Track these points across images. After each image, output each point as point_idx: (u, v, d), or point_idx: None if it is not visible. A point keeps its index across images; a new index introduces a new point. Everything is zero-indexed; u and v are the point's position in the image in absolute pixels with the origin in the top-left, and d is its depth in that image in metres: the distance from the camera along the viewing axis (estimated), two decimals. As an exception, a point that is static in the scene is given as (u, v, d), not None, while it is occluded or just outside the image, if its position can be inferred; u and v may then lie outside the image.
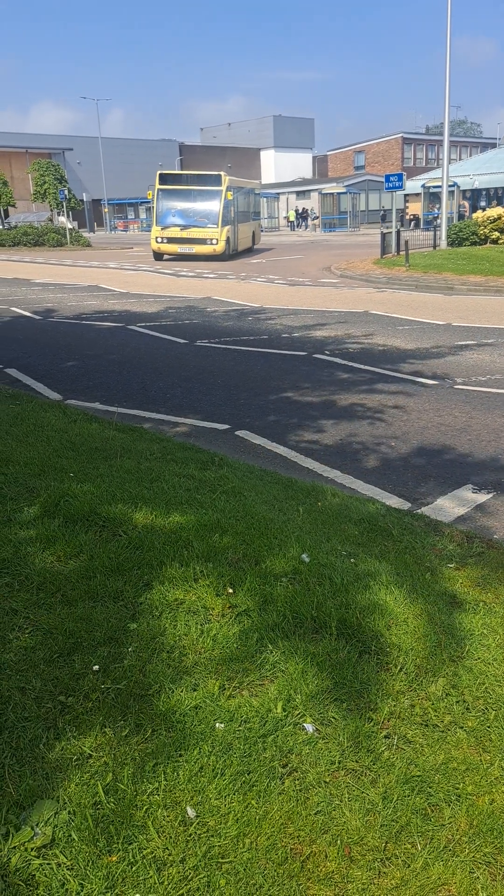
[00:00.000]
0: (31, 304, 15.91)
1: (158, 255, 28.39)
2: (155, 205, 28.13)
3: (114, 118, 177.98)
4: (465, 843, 2.03)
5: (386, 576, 3.42)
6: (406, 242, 21.98)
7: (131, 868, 1.89)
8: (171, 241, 27.40)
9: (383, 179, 26.10)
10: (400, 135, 70.14)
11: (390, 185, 24.56)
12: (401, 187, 24.70)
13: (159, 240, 27.66)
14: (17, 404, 6.77)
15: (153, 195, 28.24)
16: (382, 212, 53.83)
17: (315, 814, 2.08)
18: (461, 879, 1.92)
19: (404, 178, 25.07)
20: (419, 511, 4.63)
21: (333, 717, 2.45)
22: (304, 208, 58.49)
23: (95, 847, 1.93)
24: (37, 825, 1.98)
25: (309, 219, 57.18)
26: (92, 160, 67.37)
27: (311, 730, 2.39)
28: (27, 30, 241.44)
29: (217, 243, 26.99)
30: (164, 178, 28.22)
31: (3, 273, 24.58)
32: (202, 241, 27.05)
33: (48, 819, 1.99)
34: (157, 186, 27.86)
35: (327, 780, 2.21)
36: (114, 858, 1.90)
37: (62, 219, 45.77)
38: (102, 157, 65.42)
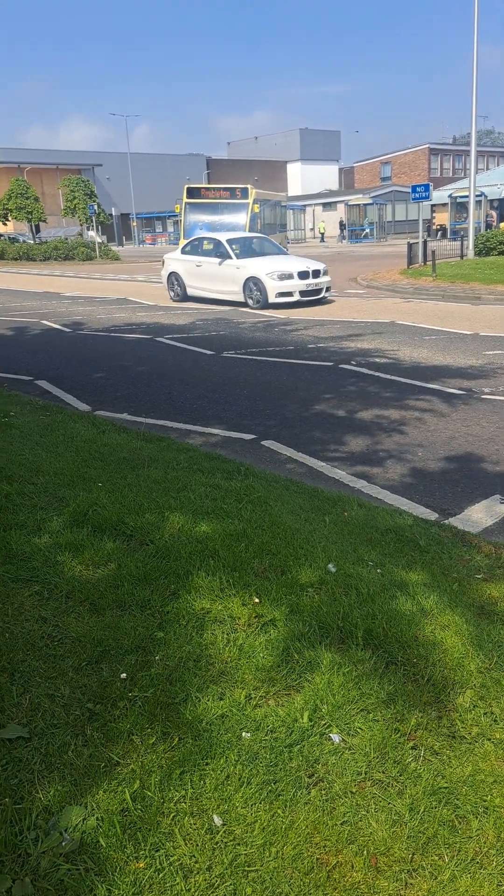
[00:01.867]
0: (60, 317, 16.13)
1: None
2: (182, 218, 28.27)
3: (142, 132, 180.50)
4: (493, 855, 2.01)
5: (413, 586, 3.40)
6: (433, 252, 21.91)
7: (158, 875, 1.90)
8: None
9: (410, 190, 26.06)
10: (427, 145, 70.05)
11: (417, 195, 24.49)
12: (427, 198, 24.60)
13: None
14: (47, 415, 6.87)
15: (181, 209, 28.41)
16: (365, 223, 52.78)
17: (341, 824, 2.08)
18: (489, 892, 1.90)
19: (431, 188, 24.99)
20: (446, 522, 4.60)
21: (360, 728, 2.44)
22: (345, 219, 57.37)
23: (123, 853, 1.95)
24: (65, 831, 2.00)
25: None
26: (121, 175, 68.27)
27: (337, 740, 2.39)
28: (56, 48, 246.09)
29: None
30: (192, 192, 28.45)
31: (34, 287, 24.97)
32: None
33: (76, 825, 2.02)
34: (185, 200, 28.03)
35: (354, 790, 2.20)
36: (141, 865, 1.92)
37: (91, 233, 46.41)
38: (131, 172, 66.28)
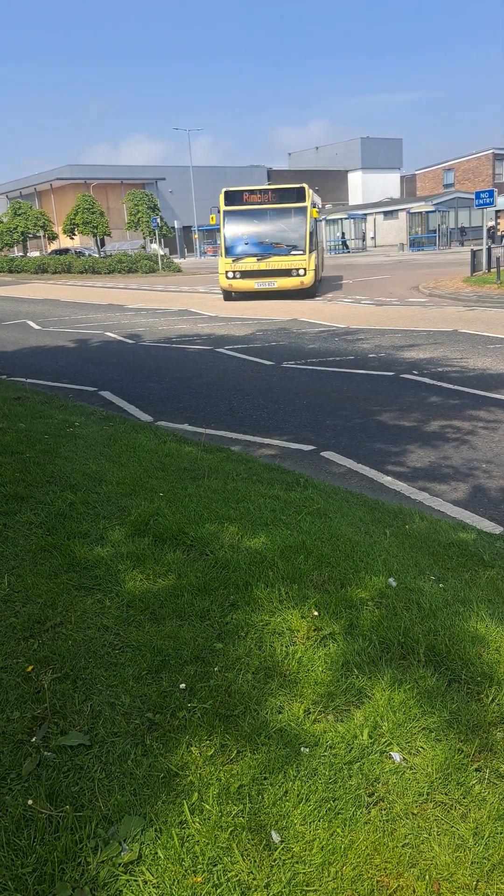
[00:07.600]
0: (124, 329, 16.44)
1: (228, 295, 21.91)
2: (222, 230, 21.35)
3: (203, 146, 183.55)
4: None
5: (476, 602, 3.31)
6: (497, 259, 21.46)
7: (216, 890, 1.89)
8: (245, 275, 20.95)
9: (473, 196, 25.66)
10: (491, 150, 68.79)
11: (481, 201, 24.14)
12: (492, 203, 24.21)
13: (230, 275, 21.06)
14: (110, 426, 6.99)
15: (218, 219, 21.64)
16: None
17: (402, 846, 2.03)
18: None
19: (495, 193, 24.59)
20: (512, 536, 4.47)
21: (421, 747, 2.39)
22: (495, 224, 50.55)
23: (181, 866, 1.94)
24: (124, 841, 2.01)
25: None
26: (183, 188, 69.41)
27: (398, 759, 2.33)
28: (118, 69, 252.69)
29: (305, 274, 20.65)
30: (232, 197, 21.29)
31: (98, 299, 25.54)
32: (286, 273, 20.73)
33: (135, 835, 2.02)
34: (223, 208, 21.16)
35: (415, 811, 2.15)
36: (198, 879, 1.91)
37: (154, 246, 47.20)
38: (193, 185, 67.26)
